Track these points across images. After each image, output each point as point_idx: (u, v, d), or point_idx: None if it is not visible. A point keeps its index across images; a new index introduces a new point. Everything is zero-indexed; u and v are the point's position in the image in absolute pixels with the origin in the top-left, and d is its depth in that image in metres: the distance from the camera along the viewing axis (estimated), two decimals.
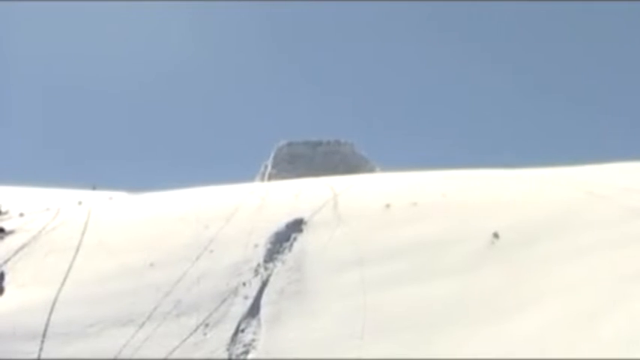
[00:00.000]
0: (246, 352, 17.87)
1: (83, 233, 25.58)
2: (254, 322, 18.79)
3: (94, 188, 58.23)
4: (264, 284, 20.16)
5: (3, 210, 32.36)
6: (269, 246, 22.25)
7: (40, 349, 18.60)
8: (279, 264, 21.19)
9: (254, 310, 19.19)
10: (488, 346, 15.91)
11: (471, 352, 15.84)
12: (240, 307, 19.35)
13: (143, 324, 19.07)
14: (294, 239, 22.58)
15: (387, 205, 24.02)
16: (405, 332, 17.14)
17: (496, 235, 20.26)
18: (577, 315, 15.99)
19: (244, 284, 20.26)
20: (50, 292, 20.83)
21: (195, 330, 18.72)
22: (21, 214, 30.46)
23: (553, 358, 14.43)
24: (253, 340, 18.23)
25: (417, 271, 19.45)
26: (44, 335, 19.04)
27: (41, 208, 31.34)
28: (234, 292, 19.99)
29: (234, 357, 17.70)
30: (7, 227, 27.38)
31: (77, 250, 24.10)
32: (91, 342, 18.77)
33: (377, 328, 17.47)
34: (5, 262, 23.77)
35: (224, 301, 19.65)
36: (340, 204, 25.09)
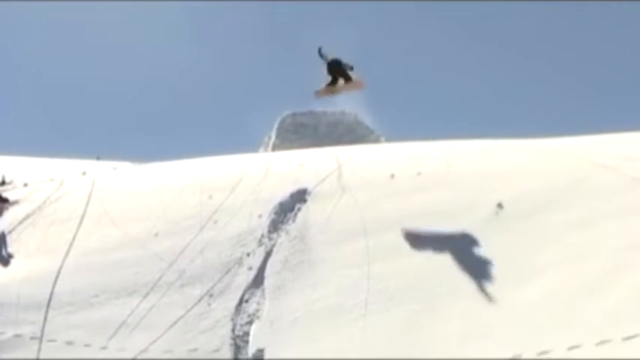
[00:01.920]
0: (251, 322, 17.91)
1: (87, 203, 25.57)
2: (258, 293, 18.82)
3: (98, 158, 58.19)
4: (268, 254, 20.17)
5: (7, 180, 32.35)
6: (273, 216, 22.20)
7: (45, 319, 18.66)
8: (283, 234, 21.17)
9: (258, 281, 19.21)
10: (493, 317, 15.92)
11: (477, 323, 15.86)
12: (244, 277, 19.38)
13: (147, 294, 19.11)
14: (299, 209, 22.53)
15: (392, 176, 23.95)
16: (409, 302, 17.14)
17: (500, 206, 20.20)
18: (580, 285, 15.99)
19: (248, 255, 20.26)
20: (54, 262, 20.88)
21: (200, 300, 18.75)
22: (25, 185, 30.44)
23: None
24: (257, 310, 18.27)
25: None
26: (49, 305, 19.10)
27: (45, 179, 31.27)
28: (239, 262, 20.01)
29: (237, 327, 17.75)
30: (11, 197, 27.38)
31: (81, 220, 24.10)
32: (96, 311, 18.84)
33: (381, 298, 17.48)
34: (10, 232, 23.79)
35: (228, 271, 19.67)
36: (345, 174, 24.99)
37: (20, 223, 24.46)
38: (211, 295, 18.84)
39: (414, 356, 15.41)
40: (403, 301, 17.16)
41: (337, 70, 21.67)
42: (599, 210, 19.06)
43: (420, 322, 16.41)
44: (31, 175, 34.98)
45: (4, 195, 27.74)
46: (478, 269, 17.62)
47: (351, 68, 21.66)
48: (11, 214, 25.48)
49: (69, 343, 18.04)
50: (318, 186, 23.90)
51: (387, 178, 23.82)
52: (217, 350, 17.34)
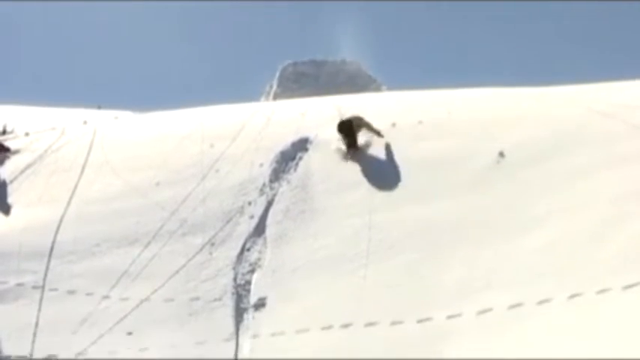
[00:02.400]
0: (252, 271, 17.97)
1: (89, 152, 25.56)
2: (260, 241, 18.86)
3: (99, 108, 58.10)
4: (269, 203, 20.17)
5: (8, 129, 32.36)
6: (274, 165, 22.17)
7: (47, 268, 18.74)
8: (284, 183, 21.16)
9: (259, 230, 19.24)
10: (494, 265, 15.97)
11: (477, 271, 15.92)
12: (246, 226, 19.41)
13: (149, 243, 19.16)
14: (300, 158, 22.50)
15: (393, 124, 23.86)
16: (411, 251, 17.19)
17: (501, 154, 20.16)
18: (581, 233, 16.02)
19: (250, 203, 20.27)
20: (56, 212, 20.92)
21: (201, 249, 18.80)
22: (26, 134, 30.41)
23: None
24: (259, 259, 18.32)
25: (423, 190, 19.42)
26: (50, 254, 19.16)
27: (46, 128, 31.22)
28: (240, 211, 20.02)
29: (239, 275, 17.82)
30: (12, 147, 27.36)
31: (83, 169, 24.10)
32: (97, 261, 18.91)
33: (382, 247, 17.52)
34: (11, 181, 23.79)
35: (229, 220, 19.70)
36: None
37: (22, 172, 24.46)
38: (213, 244, 18.89)
39: (415, 304, 15.52)
40: (404, 250, 17.21)
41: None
42: (601, 158, 19.02)
43: (421, 271, 16.48)
44: (32, 124, 34.97)
45: (5, 144, 27.70)
46: (479, 218, 17.65)
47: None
48: (12, 164, 25.48)
49: (71, 292, 18.12)
50: (320, 135, 23.84)
51: (389, 126, 23.74)
52: (219, 299, 17.41)
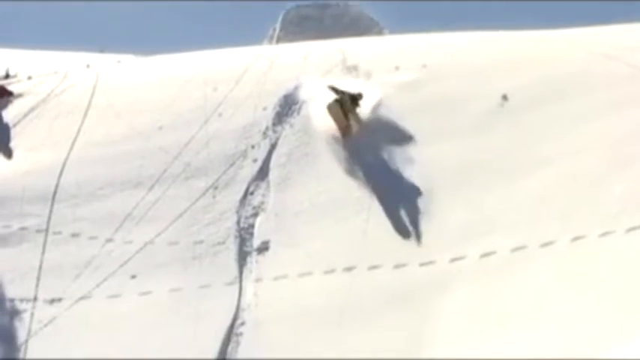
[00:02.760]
0: (255, 215, 18.00)
1: (92, 96, 25.42)
2: (263, 185, 18.86)
3: (101, 51, 57.75)
4: (272, 147, 20.12)
5: (11, 73, 32.17)
6: (278, 109, 22.06)
7: (50, 212, 18.76)
8: (287, 127, 21.09)
9: (263, 173, 19.22)
10: (497, 208, 16.00)
11: (480, 215, 15.96)
12: (249, 169, 19.38)
13: (152, 186, 19.16)
14: (303, 102, 22.39)
15: (396, 67, 23.73)
16: (414, 194, 17.21)
17: (505, 97, 20.08)
18: (584, 176, 16.02)
19: (253, 147, 20.22)
20: (59, 155, 20.89)
21: (205, 193, 18.81)
22: (29, 78, 30.25)
23: None
24: (262, 203, 18.33)
25: (427, 133, 19.36)
26: (54, 197, 19.17)
27: (49, 72, 31.07)
28: (243, 154, 19.98)
29: (242, 219, 17.86)
30: (15, 90, 27.25)
31: (86, 113, 24.00)
32: (101, 204, 18.94)
33: (385, 191, 17.53)
34: (14, 125, 23.74)
35: (233, 164, 19.66)
36: (349, 66, 24.76)
37: (25, 116, 24.37)
38: (216, 188, 18.89)
39: (418, 247, 15.60)
40: (409, 193, 17.22)
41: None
42: (604, 101, 18.94)
43: (424, 215, 16.50)
44: (35, 68, 34.76)
45: (8, 88, 27.59)
46: (482, 161, 17.63)
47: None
48: (15, 107, 25.37)
49: (74, 235, 18.18)
50: (323, 78, 23.69)
51: (392, 69, 23.61)
52: (222, 242, 17.46)
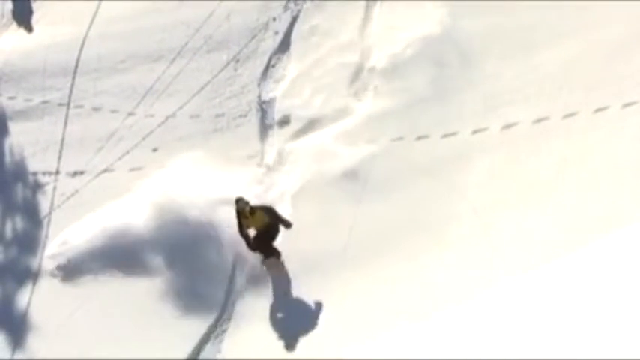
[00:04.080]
0: (276, 89, 17.88)
1: None
2: (284, 58, 18.67)
3: None
4: (294, 19, 19.77)
5: None
6: None
7: (72, 85, 18.73)
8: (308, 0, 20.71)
9: (284, 46, 18.98)
10: (519, 80, 15.83)
11: (502, 86, 15.81)
12: (271, 42, 19.12)
13: (174, 60, 19.02)
14: None
15: None
16: (436, 65, 16.99)
17: None
18: (606, 48, 15.81)
19: (274, 19, 19.87)
20: (80, 29, 20.63)
21: (226, 65, 18.67)
22: None
23: None
24: (284, 76, 18.19)
25: (447, 8, 18.85)
26: (75, 71, 19.11)
27: None
28: (264, 27, 19.68)
29: (264, 92, 17.79)
30: None
31: None
32: (122, 77, 18.87)
33: (408, 61, 17.34)
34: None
35: (254, 37, 19.41)
36: None
37: None
38: (237, 61, 18.72)
39: (440, 119, 15.53)
40: (430, 64, 17.01)
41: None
42: None
43: (446, 86, 16.33)
44: None
45: None
46: (503, 34, 17.22)
47: None
48: None
49: (96, 108, 18.20)
50: None
51: None
52: (244, 115, 17.45)
